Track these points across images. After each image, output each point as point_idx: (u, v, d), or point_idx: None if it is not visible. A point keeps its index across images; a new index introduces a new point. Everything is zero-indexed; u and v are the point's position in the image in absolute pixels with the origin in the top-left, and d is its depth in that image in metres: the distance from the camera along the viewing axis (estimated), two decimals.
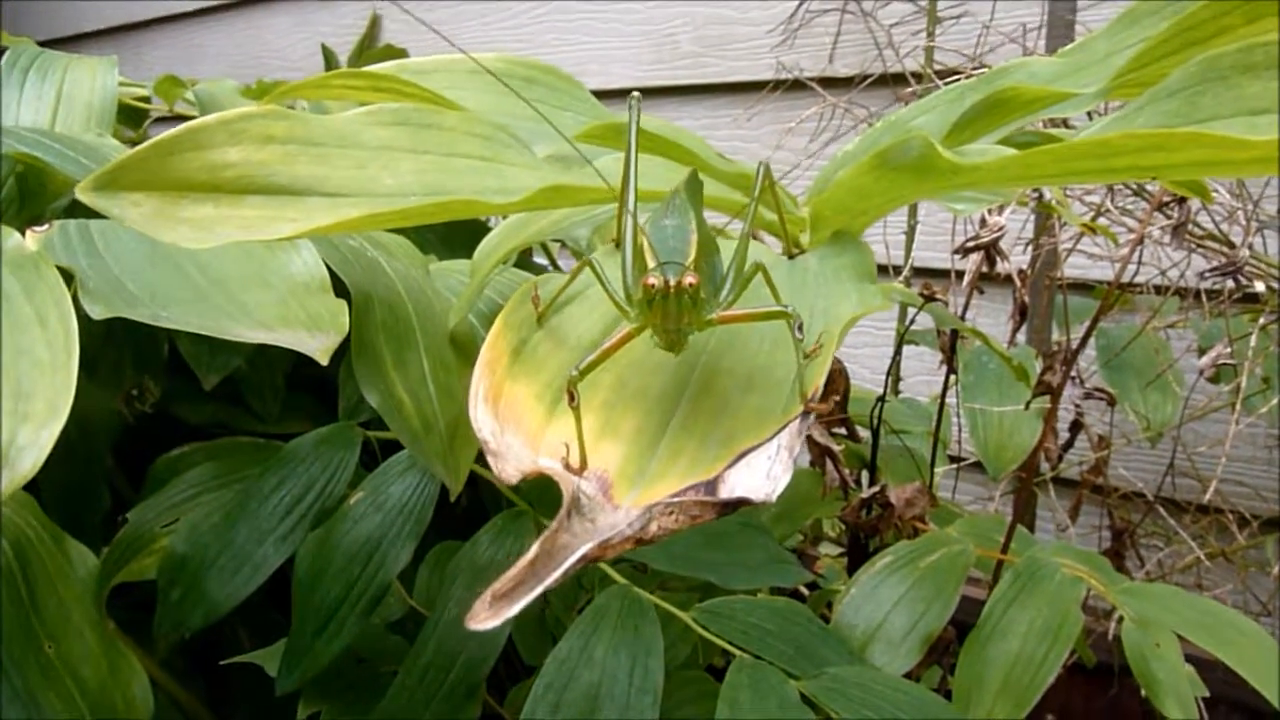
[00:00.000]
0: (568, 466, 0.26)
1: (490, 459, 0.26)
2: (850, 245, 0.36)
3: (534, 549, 0.22)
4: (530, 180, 0.35)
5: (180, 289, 0.39)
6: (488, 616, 0.21)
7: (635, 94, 0.35)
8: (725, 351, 0.30)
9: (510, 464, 0.25)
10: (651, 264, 0.27)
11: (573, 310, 0.32)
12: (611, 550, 0.23)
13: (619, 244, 0.36)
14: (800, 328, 0.27)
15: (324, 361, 0.37)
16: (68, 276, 0.36)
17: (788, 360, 0.29)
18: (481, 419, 0.26)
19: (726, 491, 0.24)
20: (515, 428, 0.27)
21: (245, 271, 0.41)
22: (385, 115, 0.35)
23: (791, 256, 0.38)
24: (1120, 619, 0.51)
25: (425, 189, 0.33)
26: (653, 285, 0.26)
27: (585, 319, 0.31)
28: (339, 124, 0.33)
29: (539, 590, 0.22)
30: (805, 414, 0.26)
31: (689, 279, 0.26)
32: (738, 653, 0.47)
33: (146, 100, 0.72)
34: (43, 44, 0.62)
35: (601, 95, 0.49)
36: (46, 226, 0.39)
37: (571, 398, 0.26)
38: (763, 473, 0.24)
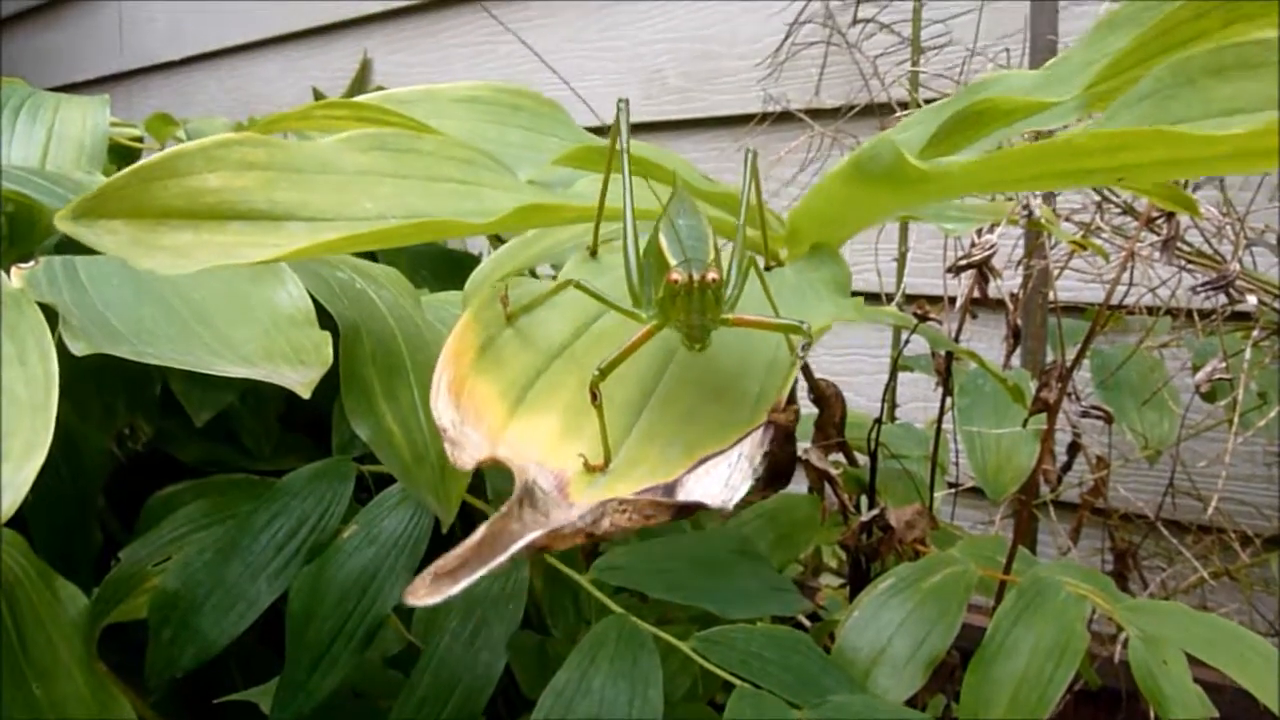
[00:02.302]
0: (588, 465, 0.26)
1: (447, 446, 0.26)
2: (827, 259, 0.36)
3: (481, 531, 0.22)
4: (508, 202, 0.35)
5: (165, 324, 0.39)
6: (427, 593, 0.21)
7: (623, 98, 0.35)
8: (693, 360, 0.30)
9: (467, 452, 0.26)
10: (674, 261, 0.27)
11: (541, 313, 0.32)
12: (562, 541, 0.23)
13: (594, 252, 0.36)
14: (805, 347, 0.27)
15: (305, 395, 0.36)
16: (52, 314, 0.36)
17: (755, 371, 0.29)
18: (442, 408, 0.27)
19: (684, 495, 0.24)
20: (476, 421, 0.27)
21: (231, 305, 0.40)
22: (364, 141, 0.35)
23: (769, 269, 0.38)
24: (1125, 640, 0.50)
25: (404, 212, 0.33)
26: (677, 281, 0.26)
27: (554, 321, 0.31)
28: (318, 150, 0.33)
29: (482, 571, 0.21)
30: (768, 425, 0.26)
31: (712, 274, 0.26)
32: (738, 682, 0.46)
33: (139, 139, 0.72)
34: None
35: (589, 132, 0.49)
36: (32, 263, 0.39)
37: (594, 396, 0.26)
38: (722, 480, 0.24)
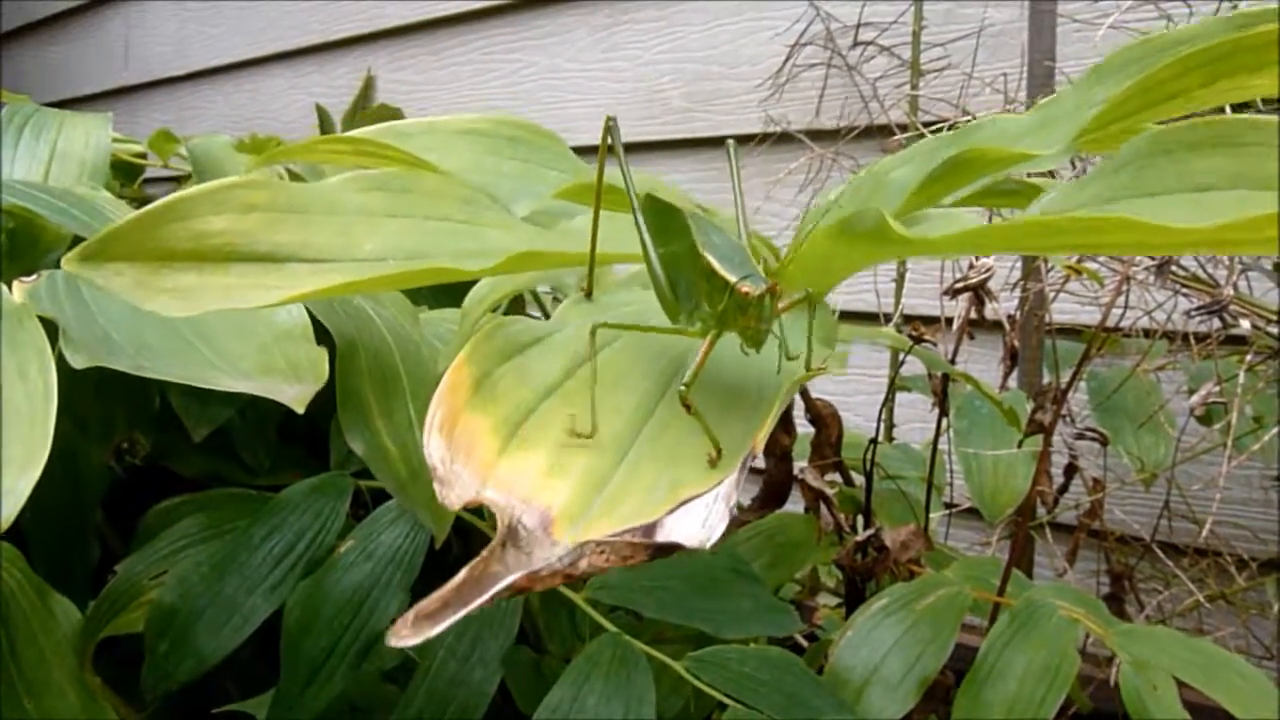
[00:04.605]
0: (711, 460, 0.27)
1: (436, 485, 0.26)
2: (816, 309, 0.36)
3: (462, 574, 0.23)
4: (507, 241, 0.36)
5: (164, 338, 0.39)
6: (408, 634, 0.22)
7: (610, 116, 0.36)
8: (678, 407, 0.30)
9: (455, 491, 0.26)
10: (733, 277, 0.29)
11: (535, 352, 0.32)
12: (540, 583, 0.23)
13: (589, 293, 0.37)
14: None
15: (300, 410, 0.37)
16: (52, 327, 0.36)
17: (741, 413, 0.30)
18: (433, 446, 0.27)
19: (662, 535, 0.25)
20: (466, 457, 0.27)
21: (229, 320, 0.41)
22: (365, 180, 0.35)
23: None
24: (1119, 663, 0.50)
25: (405, 253, 0.34)
26: (749, 293, 0.29)
27: (548, 360, 0.32)
28: (320, 190, 0.34)
29: (463, 613, 0.22)
30: (743, 467, 0.27)
31: (773, 284, 0.29)
32: (731, 703, 0.46)
33: (142, 156, 0.73)
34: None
35: (591, 151, 0.50)
36: (35, 277, 0.40)
37: (688, 408, 0.28)
38: (699, 520, 0.25)
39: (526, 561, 0.23)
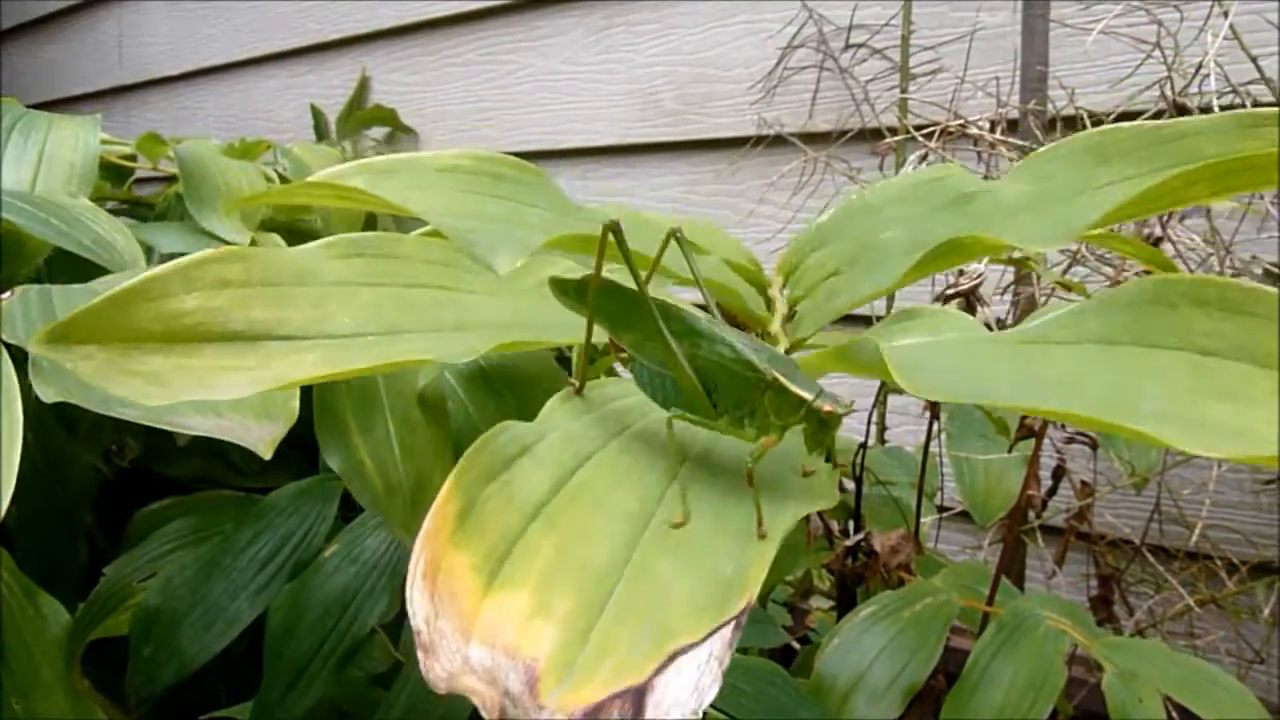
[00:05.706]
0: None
1: (420, 653, 0.24)
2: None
3: None
4: (490, 312, 0.36)
5: None
6: None
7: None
8: (668, 529, 0.29)
9: (441, 663, 0.24)
10: (810, 396, 0.31)
11: (522, 465, 0.30)
12: None
13: (580, 390, 0.35)
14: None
15: (266, 455, 0.36)
16: (23, 354, 0.35)
17: (727, 545, 0.28)
18: (417, 602, 0.25)
19: (652, 709, 0.23)
20: (450, 607, 0.25)
21: None
22: (342, 246, 0.35)
23: None
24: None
25: (383, 327, 0.33)
26: (833, 412, 0.31)
27: (535, 473, 0.30)
28: (296, 260, 0.33)
29: None
30: (736, 624, 0.25)
31: (850, 404, 0.31)
32: (713, 713, 0.46)
33: (132, 158, 0.72)
34: (32, 108, 0.63)
35: (585, 153, 0.49)
36: (9, 294, 0.39)
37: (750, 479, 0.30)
38: (691, 683, 0.24)
39: None
